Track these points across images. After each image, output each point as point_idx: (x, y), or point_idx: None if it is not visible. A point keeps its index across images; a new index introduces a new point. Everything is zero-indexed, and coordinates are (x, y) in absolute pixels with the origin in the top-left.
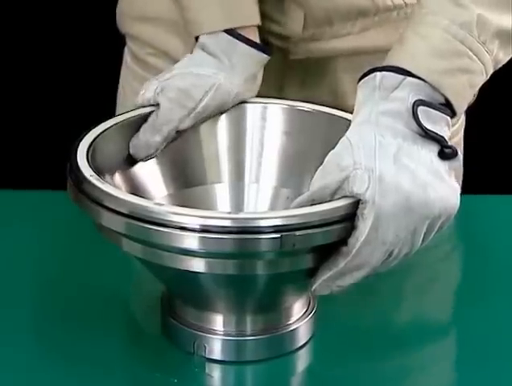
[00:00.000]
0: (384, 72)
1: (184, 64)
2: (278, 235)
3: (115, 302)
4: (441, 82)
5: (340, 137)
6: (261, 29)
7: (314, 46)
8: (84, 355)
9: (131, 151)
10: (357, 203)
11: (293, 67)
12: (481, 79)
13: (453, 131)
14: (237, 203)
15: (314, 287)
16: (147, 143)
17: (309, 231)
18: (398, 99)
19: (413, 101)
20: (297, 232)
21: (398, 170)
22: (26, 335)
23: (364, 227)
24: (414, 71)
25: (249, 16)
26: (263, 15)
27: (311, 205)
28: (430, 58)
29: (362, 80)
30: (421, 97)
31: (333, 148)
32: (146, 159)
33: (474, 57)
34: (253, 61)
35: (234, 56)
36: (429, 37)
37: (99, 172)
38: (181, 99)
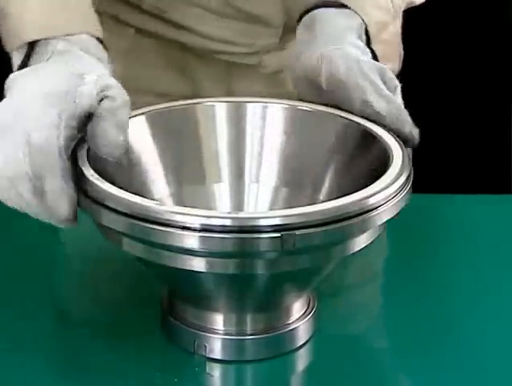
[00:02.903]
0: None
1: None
2: (278, 234)
3: (114, 301)
4: (374, 34)
5: (341, 137)
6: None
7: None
8: (83, 354)
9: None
10: (357, 203)
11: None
12: None
13: None
14: (238, 202)
15: None
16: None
17: (310, 230)
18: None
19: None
20: (297, 231)
21: None
22: (25, 335)
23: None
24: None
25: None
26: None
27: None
28: (375, 11)
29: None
30: None
31: (332, 147)
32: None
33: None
34: None
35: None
36: None
37: (99, 172)
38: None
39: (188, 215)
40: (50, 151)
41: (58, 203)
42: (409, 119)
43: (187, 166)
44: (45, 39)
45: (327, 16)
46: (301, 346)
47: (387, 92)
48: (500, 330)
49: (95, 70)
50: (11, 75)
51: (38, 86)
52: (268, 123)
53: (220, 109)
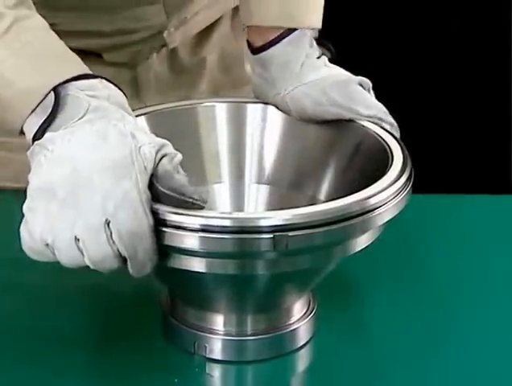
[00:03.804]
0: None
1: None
2: (270, 235)
3: (115, 302)
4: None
5: (341, 138)
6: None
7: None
8: (84, 354)
9: None
10: (357, 204)
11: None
12: None
13: None
14: (238, 203)
15: None
16: None
17: (303, 231)
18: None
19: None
20: (290, 233)
21: None
22: (24, 334)
23: None
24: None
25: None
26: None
27: None
28: (313, 15)
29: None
30: None
31: (332, 148)
32: None
33: None
34: None
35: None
36: None
37: None
38: None
39: (187, 215)
40: (142, 232)
41: (145, 268)
42: (391, 119)
43: (188, 167)
44: (67, 94)
45: (279, 53)
46: (302, 347)
47: (364, 107)
48: (500, 330)
49: (135, 123)
50: (49, 135)
51: (96, 155)
52: (268, 124)
53: (220, 110)
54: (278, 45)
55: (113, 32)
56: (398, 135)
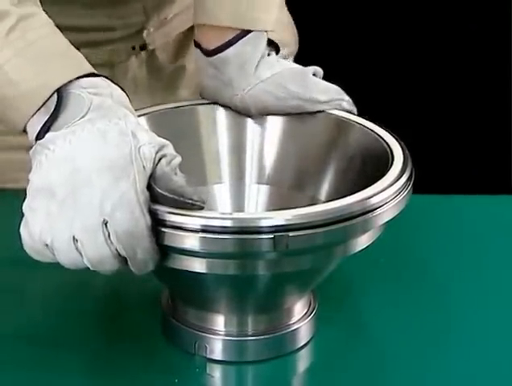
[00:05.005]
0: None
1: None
2: (270, 235)
3: (115, 302)
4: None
5: (341, 138)
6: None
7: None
8: (83, 354)
9: None
10: (357, 204)
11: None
12: None
13: None
14: (238, 203)
15: None
16: None
17: (303, 232)
18: None
19: None
20: (290, 233)
21: None
22: (23, 334)
23: None
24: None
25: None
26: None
27: None
28: (266, 15)
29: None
30: None
31: (333, 148)
32: None
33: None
34: None
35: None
36: None
37: None
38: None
39: (188, 216)
40: (139, 232)
41: (147, 267)
42: (346, 96)
43: (188, 167)
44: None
45: (236, 54)
46: (302, 347)
47: (321, 94)
48: (500, 330)
49: (136, 122)
50: (50, 135)
51: (96, 154)
52: (269, 124)
53: (221, 110)
54: (235, 45)
55: (91, 28)
56: (355, 110)
